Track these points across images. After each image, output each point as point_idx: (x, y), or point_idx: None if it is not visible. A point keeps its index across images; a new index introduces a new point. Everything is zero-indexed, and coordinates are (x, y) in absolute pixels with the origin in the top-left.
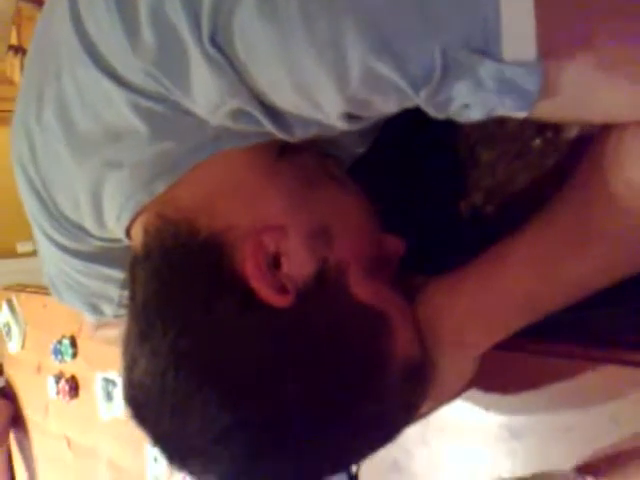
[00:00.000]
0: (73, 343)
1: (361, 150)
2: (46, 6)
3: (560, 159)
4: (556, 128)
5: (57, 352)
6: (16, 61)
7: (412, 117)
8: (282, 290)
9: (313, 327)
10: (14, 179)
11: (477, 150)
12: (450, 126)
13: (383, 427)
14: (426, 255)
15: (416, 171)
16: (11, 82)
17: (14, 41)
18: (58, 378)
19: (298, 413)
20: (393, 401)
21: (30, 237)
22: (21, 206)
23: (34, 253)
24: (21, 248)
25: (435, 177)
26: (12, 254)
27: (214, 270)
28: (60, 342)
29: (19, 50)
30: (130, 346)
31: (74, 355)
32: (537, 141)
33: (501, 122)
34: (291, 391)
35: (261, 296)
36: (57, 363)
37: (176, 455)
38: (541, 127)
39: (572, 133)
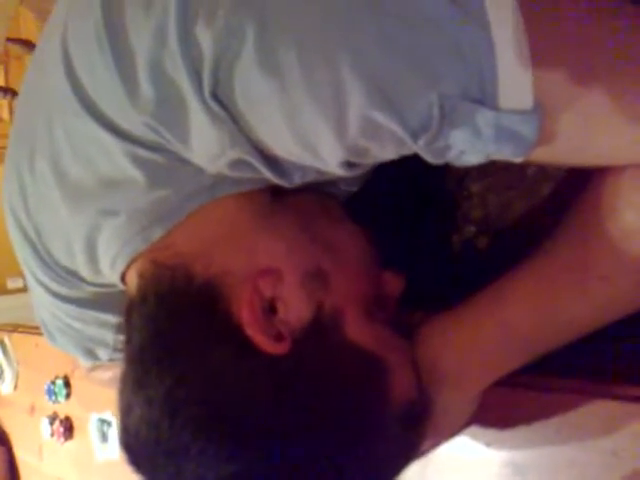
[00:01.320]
0: (67, 383)
1: (353, 189)
2: (37, 50)
3: (556, 187)
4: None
5: (51, 393)
6: (5, 102)
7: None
8: (278, 337)
9: (309, 373)
10: (2, 217)
11: (466, 182)
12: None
13: (382, 468)
14: (421, 290)
15: (405, 207)
16: (0, 119)
17: (1, 82)
18: (52, 419)
19: (296, 460)
20: (392, 443)
21: (20, 273)
22: (10, 242)
23: (25, 289)
24: (11, 284)
25: (425, 212)
26: (2, 290)
27: (210, 317)
28: (54, 382)
29: (7, 91)
30: (126, 392)
31: (68, 395)
32: (532, 168)
33: None
34: (288, 439)
35: (257, 344)
36: (51, 404)
37: None
38: None
39: None
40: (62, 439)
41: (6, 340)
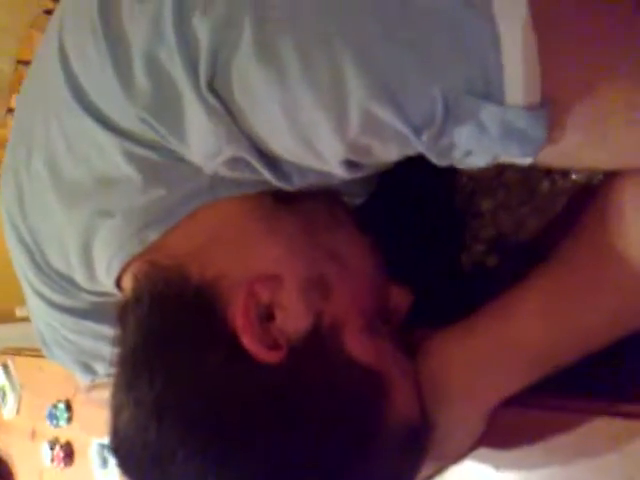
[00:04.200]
0: (69, 407)
1: (358, 201)
2: (36, 54)
3: (568, 203)
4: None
5: (52, 417)
6: None
7: (407, 169)
8: (273, 346)
9: (304, 385)
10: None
11: (475, 200)
12: (445, 177)
13: None
14: (428, 310)
15: (413, 224)
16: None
17: (13, 105)
18: (53, 444)
19: (286, 472)
20: (390, 464)
21: None
22: None
23: None
24: (20, 312)
25: (432, 230)
26: (10, 318)
27: (204, 321)
28: (55, 406)
29: None
30: (117, 393)
31: (69, 419)
32: (545, 184)
33: (499, 171)
34: (278, 450)
35: (251, 351)
36: (52, 428)
37: None
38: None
39: (580, 175)
40: (62, 465)
41: (9, 363)
